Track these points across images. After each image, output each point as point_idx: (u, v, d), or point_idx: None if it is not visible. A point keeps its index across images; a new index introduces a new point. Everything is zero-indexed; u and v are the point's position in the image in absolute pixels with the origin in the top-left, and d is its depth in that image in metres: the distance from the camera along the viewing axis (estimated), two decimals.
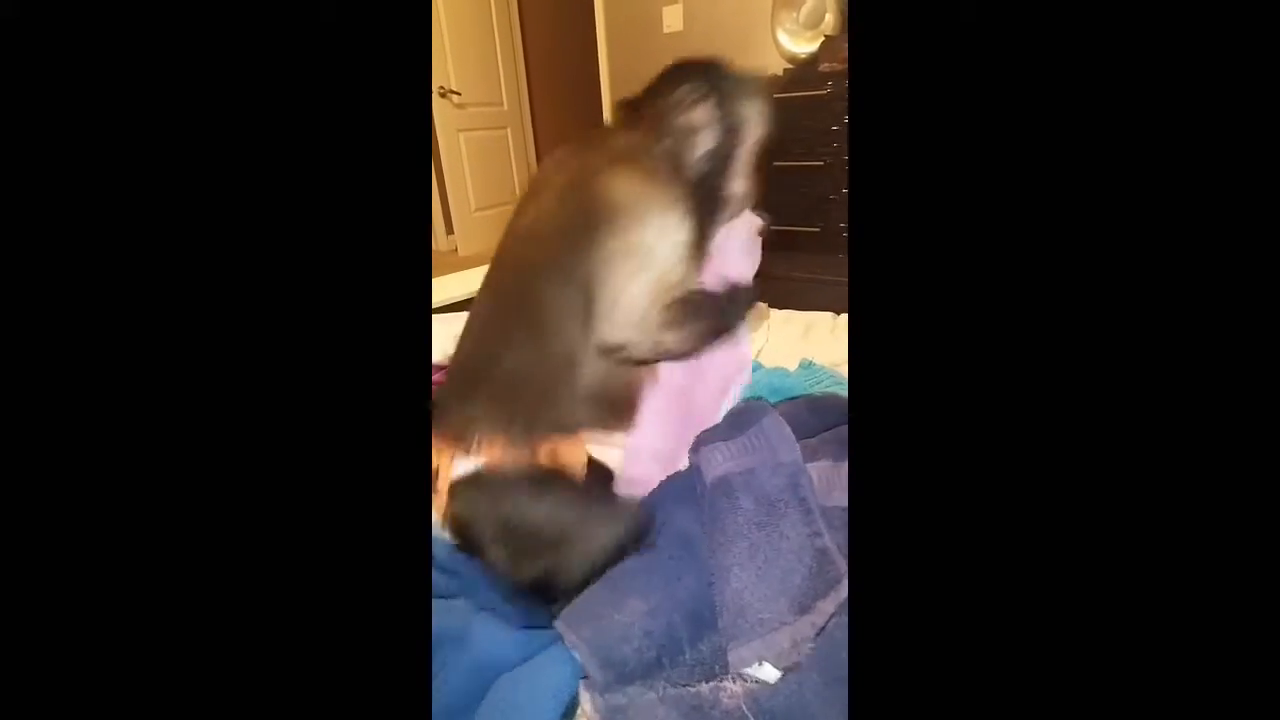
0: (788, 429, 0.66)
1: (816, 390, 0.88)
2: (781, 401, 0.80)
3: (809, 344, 1.32)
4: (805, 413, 0.76)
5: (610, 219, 0.60)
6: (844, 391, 0.87)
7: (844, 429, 0.71)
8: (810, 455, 0.65)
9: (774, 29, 2.30)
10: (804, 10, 2.25)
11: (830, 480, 0.63)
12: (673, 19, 2.75)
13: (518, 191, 3.46)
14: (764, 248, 0.80)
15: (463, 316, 0.71)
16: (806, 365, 1.00)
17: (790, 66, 2.27)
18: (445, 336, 1.18)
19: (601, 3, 2.95)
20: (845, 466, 0.64)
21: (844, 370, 1.14)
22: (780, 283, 1.76)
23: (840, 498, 0.62)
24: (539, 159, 3.72)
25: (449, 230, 3.57)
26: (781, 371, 0.99)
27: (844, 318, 1.41)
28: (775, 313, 1.53)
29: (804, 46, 2.24)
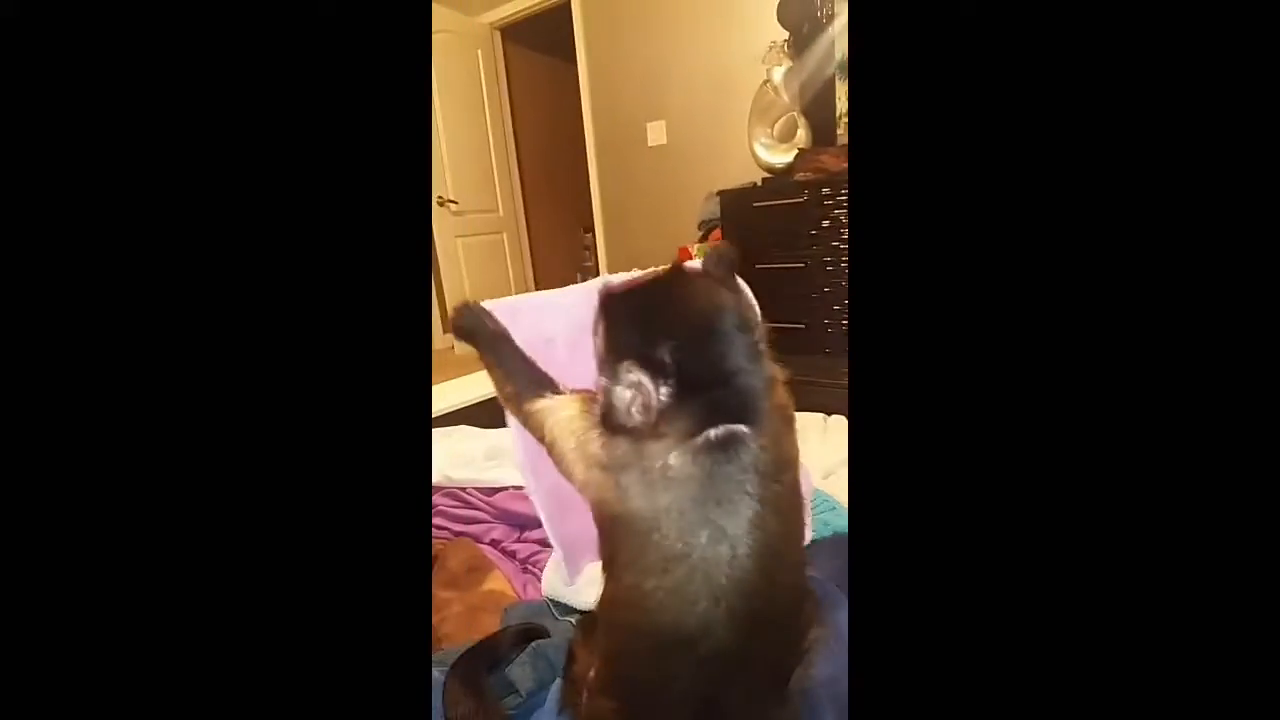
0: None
1: (820, 527, 0.88)
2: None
3: (804, 446, 1.34)
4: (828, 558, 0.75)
5: None
6: (843, 523, 0.88)
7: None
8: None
9: (751, 143, 2.47)
10: (777, 126, 2.43)
11: None
12: (656, 134, 2.95)
13: (513, 291, 3.58)
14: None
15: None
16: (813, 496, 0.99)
17: (768, 176, 2.43)
18: (442, 453, 1.21)
19: (590, 117, 3.17)
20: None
21: (837, 476, 1.15)
22: None
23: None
24: (534, 260, 3.88)
25: (445, 330, 3.67)
26: None
27: (834, 418, 1.44)
28: None
29: (779, 158, 2.40)
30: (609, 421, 0.49)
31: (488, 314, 0.66)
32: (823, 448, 1.31)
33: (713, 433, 0.46)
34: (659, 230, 3.04)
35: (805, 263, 2.18)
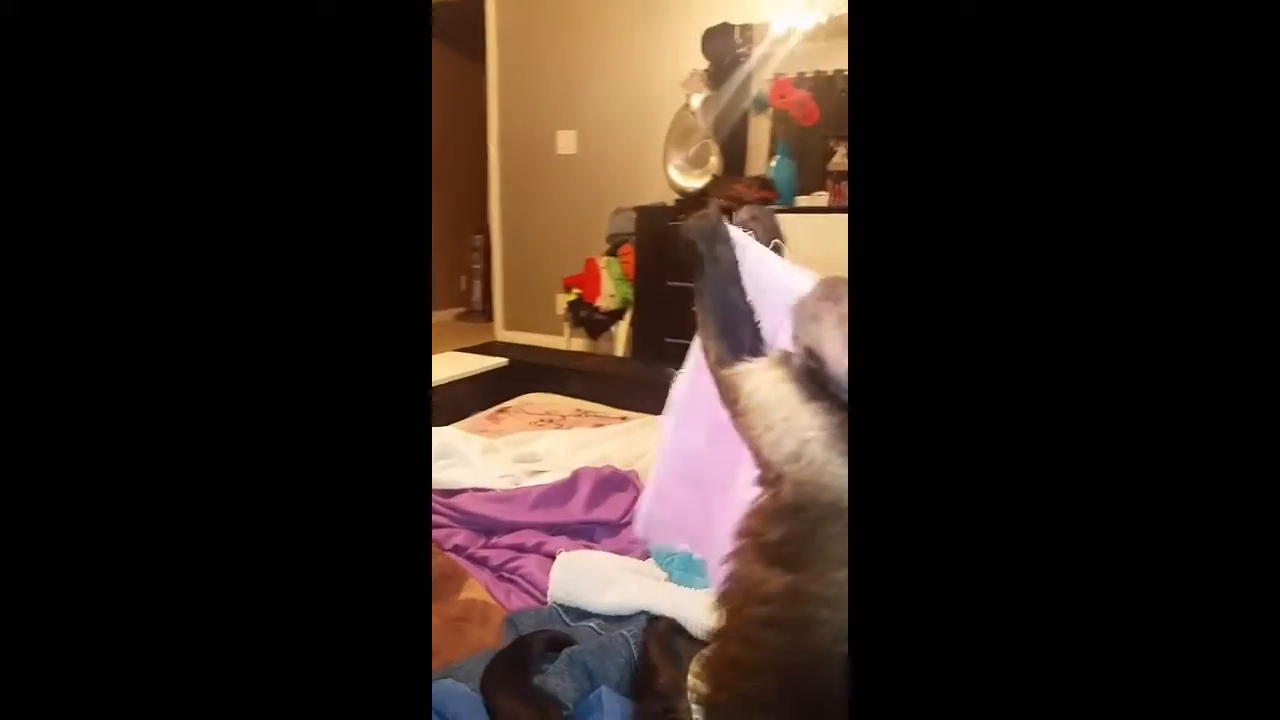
0: None
1: None
2: None
3: None
4: None
5: None
6: None
7: None
8: None
9: (665, 164, 2.53)
10: (692, 151, 2.52)
11: None
12: (566, 143, 2.93)
13: None
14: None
15: None
16: None
17: (680, 198, 2.51)
18: None
19: (496, 118, 3.08)
20: None
21: None
22: None
23: None
24: None
25: None
26: None
27: None
28: None
29: (692, 182, 2.49)
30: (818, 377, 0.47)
31: (728, 235, 0.58)
32: None
33: None
34: (561, 239, 3.01)
35: None
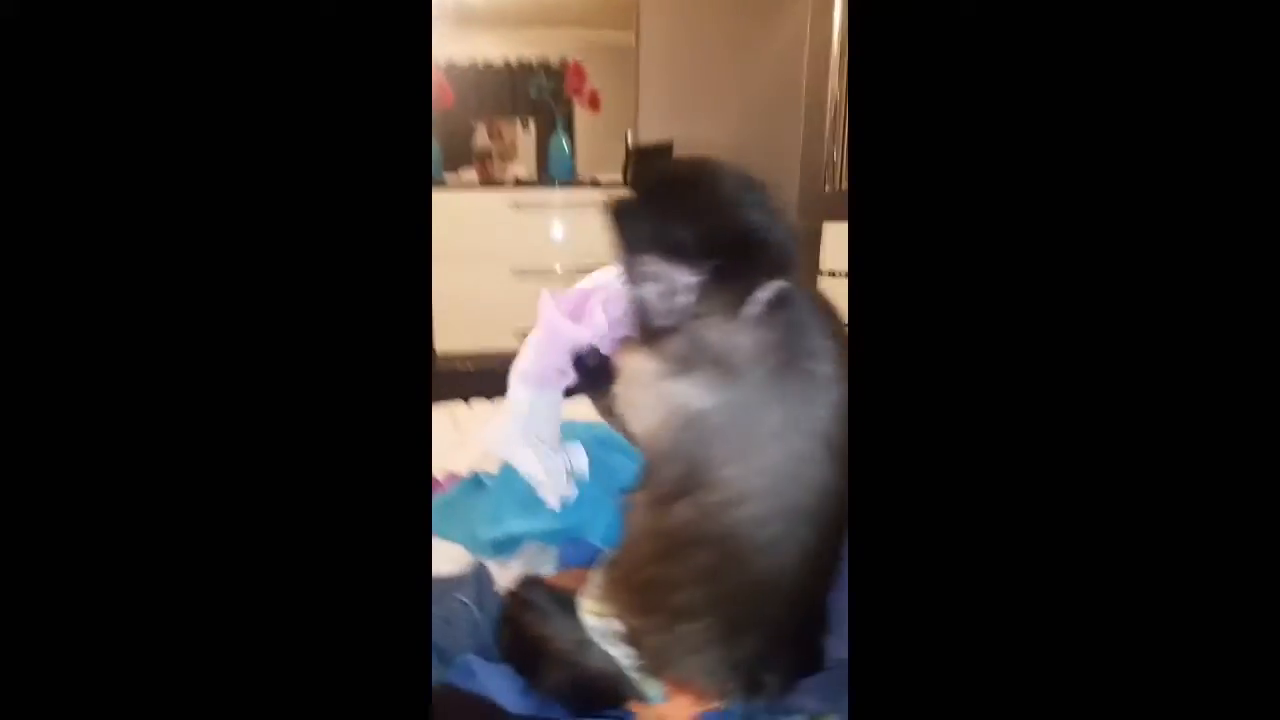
0: None
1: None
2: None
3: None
4: None
5: None
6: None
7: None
8: None
9: None
10: None
11: None
12: None
13: None
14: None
15: None
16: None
17: None
18: None
19: None
20: None
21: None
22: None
23: None
24: None
25: None
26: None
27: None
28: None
29: None
30: (645, 330, 0.47)
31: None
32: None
33: (760, 294, 0.44)
34: None
35: None
